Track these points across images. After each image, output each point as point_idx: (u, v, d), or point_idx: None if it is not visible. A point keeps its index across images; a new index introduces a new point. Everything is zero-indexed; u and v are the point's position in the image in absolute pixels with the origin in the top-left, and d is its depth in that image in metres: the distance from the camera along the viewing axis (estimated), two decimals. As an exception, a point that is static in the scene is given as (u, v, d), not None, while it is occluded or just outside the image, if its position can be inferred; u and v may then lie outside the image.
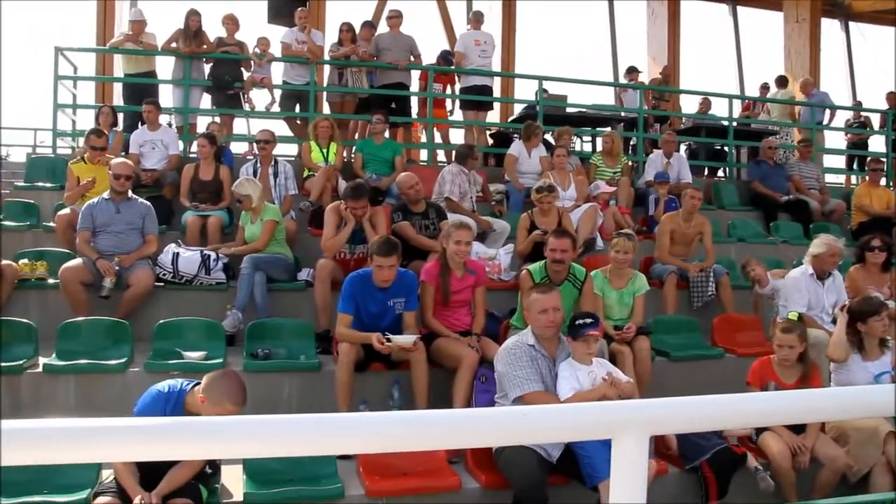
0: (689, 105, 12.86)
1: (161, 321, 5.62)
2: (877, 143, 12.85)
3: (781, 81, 12.66)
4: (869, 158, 10.80)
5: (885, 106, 12.90)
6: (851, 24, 16.27)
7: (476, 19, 10.49)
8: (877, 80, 14.11)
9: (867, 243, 6.71)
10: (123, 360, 5.17)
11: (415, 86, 10.35)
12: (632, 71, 12.57)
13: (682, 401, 1.68)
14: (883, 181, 9.92)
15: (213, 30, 9.41)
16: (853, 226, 9.24)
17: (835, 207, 9.79)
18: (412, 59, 9.87)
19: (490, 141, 11.12)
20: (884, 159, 11.04)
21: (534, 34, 16.64)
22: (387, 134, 8.80)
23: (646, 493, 1.46)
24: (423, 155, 11.47)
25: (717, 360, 6.23)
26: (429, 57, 10.51)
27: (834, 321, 6.30)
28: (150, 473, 3.59)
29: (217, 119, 9.46)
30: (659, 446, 4.81)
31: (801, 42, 14.49)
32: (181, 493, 3.61)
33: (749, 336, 6.57)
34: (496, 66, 11.55)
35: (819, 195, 9.89)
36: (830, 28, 15.82)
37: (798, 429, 4.71)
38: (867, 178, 9.82)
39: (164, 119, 8.78)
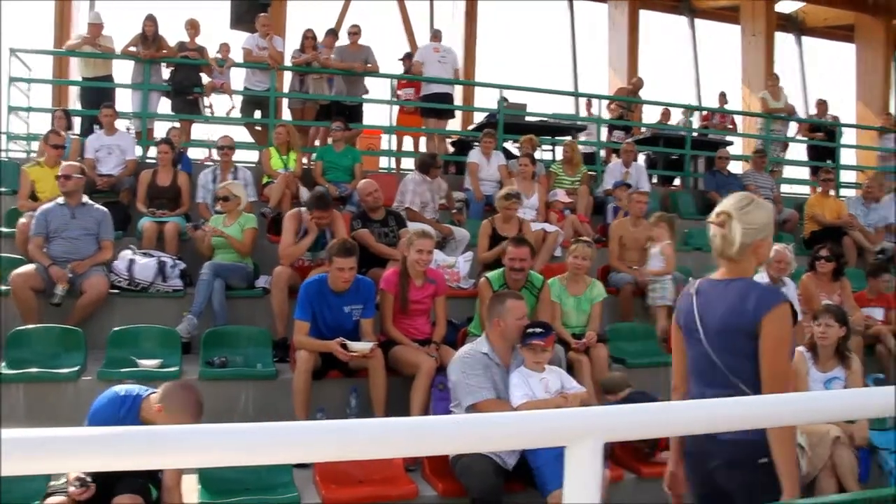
0: (648, 115, 13.00)
1: (115, 329, 5.54)
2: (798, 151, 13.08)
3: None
4: (820, 169, 11.02)
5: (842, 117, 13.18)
6: (804, 39, 16.63)
7: (436, 36, 10.59)
8: (826, 93, 14.37)
9: (816, 253, 6.89)
10: (76, 369, 5.08)
11: (374, 93, 10.35)
12: None
13: (637, 408, 1.71)
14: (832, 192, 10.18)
15: (175, 34, 9.35)
16: (805, 235, 9.43)
17: (788, 217, 9.99)
18: (368, 67, 9.86)
19: (451, 149, 11.15)
20: (833, 169, 11.32)
21: (495, 43, 16.73)
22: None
23: (600, 500, 1.47)
24: (384, 163, 11.47)
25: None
26: (388, 64, 10.56)
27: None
28: (102, 484, 3.52)
29: (177, 124, 9.36)
30: (618, 454, 4.87)
31: (756, 56, 14.77)
32: (130, 490, 3.56)
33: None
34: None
35: (773, 205, 10.08)
36: (785, 42, 16.15)
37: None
38: (819, 188, 10.05)
39: (121, 124, 8.66)
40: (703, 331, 2.70)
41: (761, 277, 6.41)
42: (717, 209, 2.73)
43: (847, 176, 12.96)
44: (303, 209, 6.33)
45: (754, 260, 2.72)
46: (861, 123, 14.20)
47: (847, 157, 12.92)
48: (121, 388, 3.77)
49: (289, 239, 6.14)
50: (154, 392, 3.71)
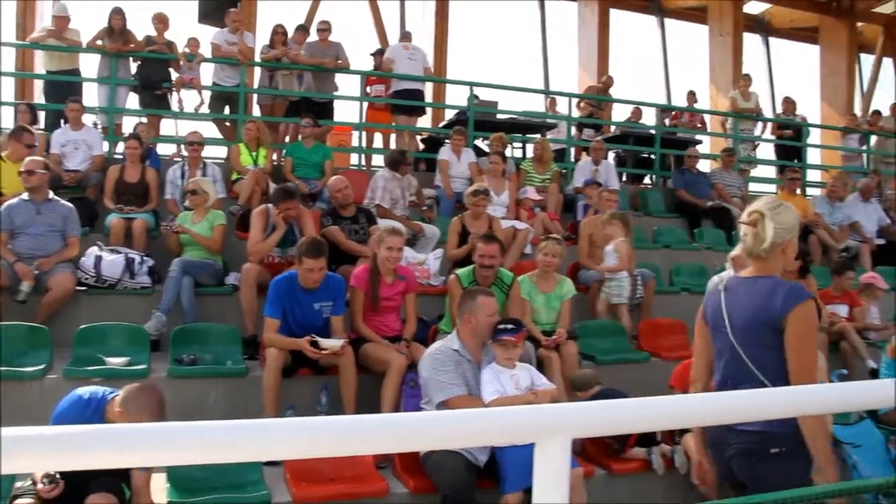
0: (618, 113, 13.09)
1: (82, 326, 5.46)
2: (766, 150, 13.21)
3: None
4: (787, 168, 11.17)
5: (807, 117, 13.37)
6: (771, 40, 16.85)
7: (405, 37, 10.62)
8: (793, 93, 14.54)
9: (782, 251, 6.96)
10: (41, 367, 5.00)
11: (345, 90, 10.32)
12: None
13: (606, 404, 1.72)
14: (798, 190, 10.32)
15: (143, 28, 9.23)
16: (772, 233, 9.52)
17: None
18: (338, 63, 9.84)
19: (421, 146, 11.14)
20: (800, 168, 11.49)
21: (466, 41, 16.77)
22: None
23: (568, 495, 1.49)
24: (354, 159, 11.43)
25: (642, 364, 6.37)
26: (359, 61, 10.55)
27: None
28: (75, 483, 3.48)
29: (144, 120, 9.25)
30: (588, 450, 4.90)
31: (724, 56, 14.93)
32: (103, 490, 3.51)
33: (673, 340, 6.73)
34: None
35: (741, 203, 10.20)
36: (752, 43, 16.35)
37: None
38: (784, 187, 10.19)
39: (88, 119, 8.54)
40: (731, 325, 2.87)
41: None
42: (749, 209, 2.91)
43: (812, 175, 13.15)
44: (270, 205, 6.29)
45: (782, 259, 2.88)
46: (826, 123, 14.43)
47: (812, 156, 13.12)
48: (84, 391, 3.69)
49: (257, 235, 6.11)
50: (118, 394, 3.65)
